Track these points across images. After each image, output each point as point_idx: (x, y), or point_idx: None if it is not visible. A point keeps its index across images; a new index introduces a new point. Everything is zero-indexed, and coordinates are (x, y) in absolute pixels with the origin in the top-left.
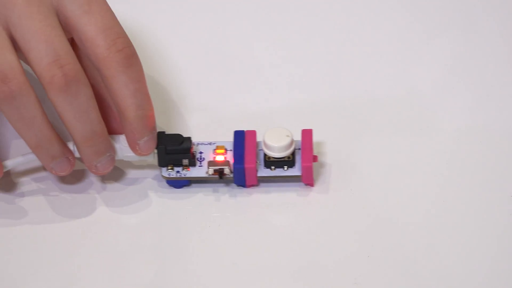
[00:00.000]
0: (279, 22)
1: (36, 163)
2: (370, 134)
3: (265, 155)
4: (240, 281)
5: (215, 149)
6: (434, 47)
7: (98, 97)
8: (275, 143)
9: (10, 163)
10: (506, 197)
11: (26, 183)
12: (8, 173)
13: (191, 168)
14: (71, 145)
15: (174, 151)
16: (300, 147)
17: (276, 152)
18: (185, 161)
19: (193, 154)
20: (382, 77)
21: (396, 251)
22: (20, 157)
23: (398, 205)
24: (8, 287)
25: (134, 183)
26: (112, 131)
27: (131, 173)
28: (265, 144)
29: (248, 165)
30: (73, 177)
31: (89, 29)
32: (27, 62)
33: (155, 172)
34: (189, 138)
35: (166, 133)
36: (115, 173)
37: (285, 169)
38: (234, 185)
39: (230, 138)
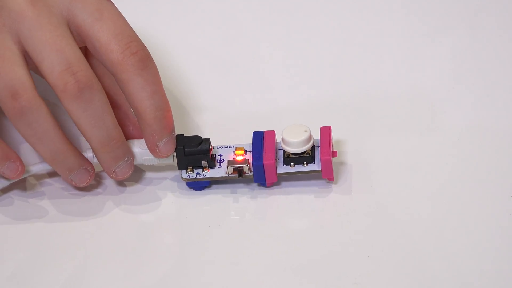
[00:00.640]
0: (287, 21)
1: None
2: (375, 133)
3: (284, 152)
4: (240, 280)
5: (234, 151)
6: (442, 45)
7: (113, 104)
8: (294, 138)
9: (34, 169)
10: (506, 197)
11: (46, 184)
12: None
13: (210, 169)
14: (90, 152)
15: (193, 152)
16: (319, 145)
17: (295, 148)
18: (204, 162)
19: (212, 155)
20: (389, 76)
21: (396, 251)
22: (44, 163)
23: (398, 205)
24: (27, 285)
25: (152, 183)
26: (129, 137)
27: (150, 174)
28: (284, 140)
29: (267, 161)
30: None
31: (102, 35)
32: (40, 73)
33: (174, 173)
34: (207, 139)
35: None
36: (133, 173)
37: (305, 165)
38: (253, 186)
39: (246, 140)
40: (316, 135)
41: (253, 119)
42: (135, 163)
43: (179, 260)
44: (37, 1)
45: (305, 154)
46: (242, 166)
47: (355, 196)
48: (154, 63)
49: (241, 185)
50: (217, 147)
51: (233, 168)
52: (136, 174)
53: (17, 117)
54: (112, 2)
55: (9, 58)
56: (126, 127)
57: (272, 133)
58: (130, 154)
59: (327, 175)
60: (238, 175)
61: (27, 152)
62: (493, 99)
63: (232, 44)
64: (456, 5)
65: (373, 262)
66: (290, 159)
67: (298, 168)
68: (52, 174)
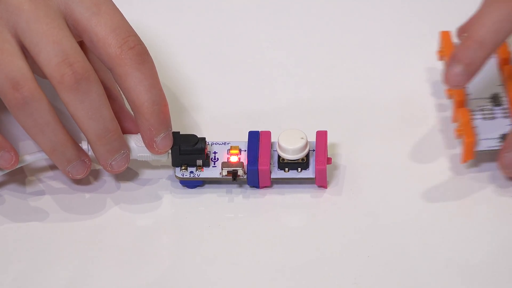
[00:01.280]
0: (287, 21)
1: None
2: (373, 136)
3: (279, 157)
4: (240, 280)
5: (229, 150)
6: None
7: (109, 99)
8: (290, 145)
9: (28, 158)
10: (506, 197)
11: (40, 182)
12: (22, 171)
13: (204, 169)
14: (84, 145)
15: (188, 151)
16: (314, 149)
17: (290, 155)
18: (199, 162)
19: (207, 154)
20: (386, 79)
21: (396, 251)
22: (38, 152)
23: (398, 205)
24: (21, 285)
25: (147, 183)
26: (124, 132)
27: (145, 173)
28: (280, 146)
29: (262, 167)
30: (86, 177)
31: (100, 30)
32: (37, 65)
33: (168, 172)
34: (203, 139)
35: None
36: (128, 173)
37: (299, 171)
38: (247, 186)
39: (243, 137)
40: (311, 138)
41: (249, 118)
42: (131, 158)
43: (176, 260)
44: None
45: (300, 160)
46: (236, 170)
47: (354, 196)
48: (151, 58)
49: (235, 185)
50: (212, 143)
51: (227, 171)
52: (130, 172)
53: (19, 108)
54: None
55: (8, 50)
56: (121, 121)
57: (267, 133)
58: (126, 148)
59: (320, 182)
60: (233, 178)
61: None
62: None
63: (230, 41)
64: (448, 10)
65: (373, 262)
66: (285, 164)
67: (292, 174)
68: (43, 170)
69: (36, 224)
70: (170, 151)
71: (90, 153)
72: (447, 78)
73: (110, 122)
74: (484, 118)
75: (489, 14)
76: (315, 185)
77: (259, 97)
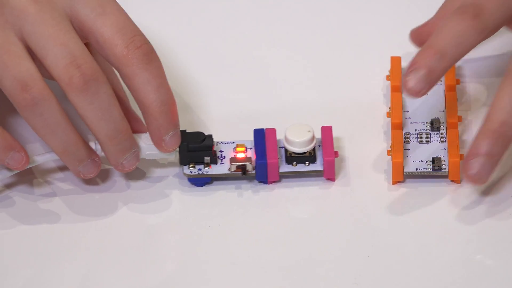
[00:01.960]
0: (292, 19)
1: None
2: (370, 134)
3: (286, 151)
4: (239, 280)
5: (235, 148)
6: None
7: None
8: (297, 138)
9: (38, 159)
10: (506, 197)
11: (49, 183)
12: (31, 172)
13: (212, 166)
14: (93, 144)
15: (196, 148)
16: (319, 145)
17: (298, 147)
18: (207, 159)
19: (214, 151)
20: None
21: (396, 251)
22: (47, 153)
23: (398, 205)
24: (31, 285)
25: (156, 182)
26: (132, 132)
27: (152, 172)
28: (287, 140)
29: (270, 160)
30: (95, 177)
31: (106, 30)
32: (44, 68)
33: (175, 170)
34: (210, 136)
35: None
36: (135, 172)
37: (307, 164)
38: (255, 181)
39: (246, 137)
40: (316, 134)
41: (253, 117)
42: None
43: (188, 258)
44: None
45: (307, 154)
46: (245, 164)
47: (354, 196)
48: (158, 57)
49: (244, 181)
50: (217, 143)
51: (236, 166)
52: (138, 171)
53: (28, 109)
54: None
55: (15, 52)
56: (128, 122)
57: (273, 131)
58: (136, 146)
59: (329, 175)
60: (242, 173)
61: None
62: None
63: (235, 41)
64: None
65: (373, 262)
66: (292, 158)
67: (300, 167)
68: (53, 170)
69: (47, 226)
70: (178, 149)
71: (99, 152)
72: (407, 85)
73: (121, 122)
74: (420, 142)
75: (452, 27)
76: (320, 182)
77: (261, 96)
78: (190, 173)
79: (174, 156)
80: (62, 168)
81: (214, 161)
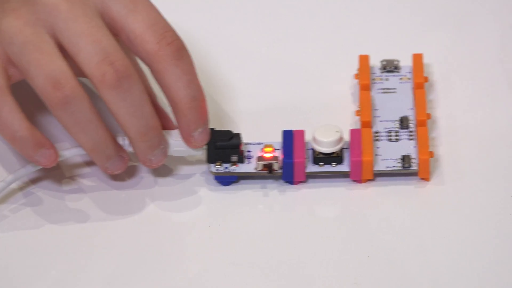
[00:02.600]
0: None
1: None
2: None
3: (314, 151)
4: (239, 280)
5: (263, 148)
6: (429, 44)
7: None
8: (325, 138)
9: (65, 153)
10: (506, 197)
11: (76, 180)
12: (58, 168)
13: (239, 165)
14: (120, 140)
15: (224, 146)
16: (347, 147)
17: (326, 147)
18: (234, 157)
19: (242, 150)
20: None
21: (396, 251)
22: (74, 148)
23: (397, 205)
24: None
25: (182, 179)
26: None
27: (180, 169)
28: (315, 140)
29: (297, 159)
30: (122, 173)
31: (137, 27)
32: (77, 65)
33: (202, 168)
34: (238, 134)
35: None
36: (162, 169)
37: (334, 165)
38: (282, 181)
39: (274, 138)
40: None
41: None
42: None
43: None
44: None
45: (334, 155)
46: (272, 163)
47: (354, 196)
48: (189, 53)
49: (269, 181)
50: (246, 143)
51: (263, 164)
52: (165, 168)
53: (61, 107)
54: None
55: (47, 50)
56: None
57: (301, 132)
58: (165, 142)
59: (355, 176)
60: (268, 172)
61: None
62: (488, 99)
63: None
64: (441, 7)
65: (373, 262)
66: (320, 158)
67: (327, 168)
68: (80, 165)
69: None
70: (205, 146)
71: (127, 147)
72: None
73: (152, 119)
74: (389, 140)
75: None
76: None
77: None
78: (216, 171)
79: (202, 153)
80: (89, 163)
81: (241, 159)
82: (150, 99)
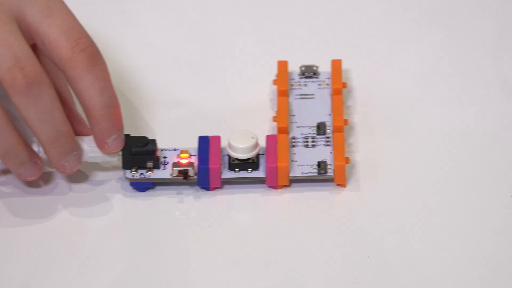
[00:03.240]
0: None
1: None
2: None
3: (229, 157)
4: (238, 280)
5: (179, 154)
6: (416, 46)
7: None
8: (241, 144)
9: None
10: (506, 197)
11: None
12: None
13: (155, 171)
14: (35, 147)
15: (139, 152)
16: (263, 153)
17: (241, 153)
18: (150, 163)
19: (157, 156)
20: (366, 76)
21: (396, 251)
22: None
23: (398, 205)
24: None
25: (97, 185)
26: (76, 135)
27: (95, 175)
28: (230, 146)
29: (212, 165)
30: (37, 180)
31: (51, 32)
32: None
33: (118, 174)
34: (154, 140)
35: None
36: (78, 175)
37: (249, 171)
38: (197, 187)
39: (192, 144)
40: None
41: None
42: (82, 160)
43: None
44: None
45: (250, 161)
46: (187, 169)
47: (354, 196)
48: (103, 60)
49: (185, 187)
50: (161, 149)
51: (178, 171)
52: (80, 174)
53: None
54: None
55: None
56: (71, 124)
57: (217, 138)
58: (78, 148)
59: (271, 182)
60: (184, 178)
61: None
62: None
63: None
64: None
65: (373, 262)
66: (236, 164)
67: (243, 174)
68: None
69: None
70: (120, 153)
71: (42, 154)
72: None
73: (63, 125)
74: (306, 146)
75: None
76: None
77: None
78: (132, 177)
79: (117, 160)
80: (5, 171)
81: (157, 166)
82: (64, 104)
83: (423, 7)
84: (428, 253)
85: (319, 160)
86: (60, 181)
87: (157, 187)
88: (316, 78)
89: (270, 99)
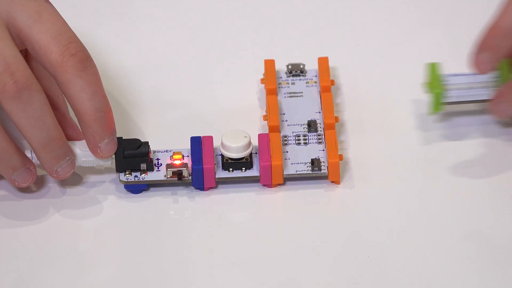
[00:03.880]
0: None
1: None
2: (349, 130)
3: (223, 157)
4: (239, 280)
5: (171, 156)
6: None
7: (52, 107)
8: (233, 143)
9: None
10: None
11: None
12: None
13: (149, 173)
14: (29, 153)
15: (132, 155)
16: (256, 152)
17: (234, 153)
18: (143, 166)
19: (151, 158)
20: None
21: (396, 252)
22: None
23: (397, 205)
24: None
25: (91, 187)
26: (68, 139)
27: (88, 178)
28: (223, 145)
29: (206, 165)
30: (30, 184)
31: (42, 37)
32: None
33: (112, 176)
34: (146, 143)
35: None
36: (71, 178)
37: (243, 170)
38: (192, 188)
39: (184, 145)
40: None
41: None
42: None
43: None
44: None
45: (243, 160)
46: (181, 170)
47: (354, 196)
48: (94, 64)
49: (179, 187)
50: (154, 151)
51: (172, 172)
52: (74, 177)
53: None
54: (51, 4)
55: None
56: (65, 129)
57: (210, 138)
58: (71, 153)
59: (265, 181)
60: (178, 179)
61: None
62: None
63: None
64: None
65: (373, 262)
66: (229, 164)
67: (237, 173)
68: None
69: None
70: (114, 156)
71: (35, 160)
72: (475, 64)
73: (54, 130)
74: (298, 144)
75: None
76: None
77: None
78: (126, 180)
79: (111, 163)
80: None
81: (150, 168)
82: (57, 110)
83: (409, 2)
84: (424, 250)
85: (312, 157)
86: (53, 184)
87: (151, 189)
88: (304, 76)
89: (258, 98)
